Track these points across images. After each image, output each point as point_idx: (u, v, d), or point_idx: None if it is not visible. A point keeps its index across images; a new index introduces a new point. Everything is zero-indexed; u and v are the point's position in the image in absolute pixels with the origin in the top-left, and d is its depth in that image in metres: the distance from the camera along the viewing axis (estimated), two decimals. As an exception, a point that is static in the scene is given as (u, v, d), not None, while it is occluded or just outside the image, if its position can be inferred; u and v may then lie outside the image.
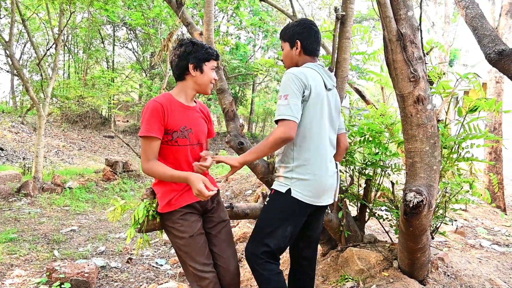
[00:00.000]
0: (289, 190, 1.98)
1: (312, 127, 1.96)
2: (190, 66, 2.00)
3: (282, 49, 2.21)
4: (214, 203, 2.18)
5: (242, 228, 4.67)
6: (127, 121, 20.94)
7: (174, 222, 2.02)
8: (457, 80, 2.16)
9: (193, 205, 2.07)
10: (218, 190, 2.11)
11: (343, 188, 3.06)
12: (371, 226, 4.12)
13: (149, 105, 1.95)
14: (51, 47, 8.34)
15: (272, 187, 2.09)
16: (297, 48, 2.10)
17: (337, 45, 3.14)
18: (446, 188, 2.71)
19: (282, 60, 2.25)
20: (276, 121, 1.91)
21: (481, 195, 2.96)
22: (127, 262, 4.27)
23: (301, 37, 2.09)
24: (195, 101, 2.15)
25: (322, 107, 1.98)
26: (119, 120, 20.44)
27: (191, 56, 1.99)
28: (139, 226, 2.11)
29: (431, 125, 2.05)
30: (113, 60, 20.36)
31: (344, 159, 3.07)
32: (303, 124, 1.95)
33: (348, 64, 3.15)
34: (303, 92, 1.92)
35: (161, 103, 1.94)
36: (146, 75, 18.73)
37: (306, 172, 1.97)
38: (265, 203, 2.08)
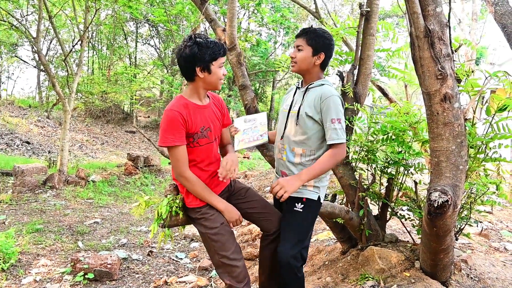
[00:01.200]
0: (319, 197, 2.21)
1: None
2: (197, 69, 1.98)
3: (299, 49, 2.17)
4: (232, 184, 2.34)
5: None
6: (148, 116, 21.23)
7: (204, 213, 2.08)
8: (486, 78, 2.11)
9: (223, 191, 2.23)
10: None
11: (365, 186, 3.03)
12: (392, 226, 4.06)
13: (166, 115, 1.96)
14: (76, 43, 8.52)
15: (302, 195, 2.17)
16: (318, 59, 2.16)
17: (360, 42, 3.11)
18: (472, 188, 2.65)
19: (292, 59, 2.20)
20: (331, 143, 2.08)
21: (508, 197, 2.88)
22: (148, 254, 4.35)
23: (326, 52, 2.17)
24: (208, 96, 2.18)
25: None
26: (140, 116, 20.74)
27: (197, 59, 1.95)
28: (162, 222, 2.15)
29: (458, 123, 2.00)
30: (135, 57, 20.65)
31: (366, 157, 3.04)
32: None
33: (372, 61, 3.11)
34: None
35: (179, 111, 1.96)
36: (167, 71, 18.93)
37: (325, 180, 2.26)
38: (299, 209, 2.16)
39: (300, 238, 2.12)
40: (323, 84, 2.17)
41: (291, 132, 2.21)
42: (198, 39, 1.95)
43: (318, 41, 2.13)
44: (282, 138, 2.28)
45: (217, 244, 2.03)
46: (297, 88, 2.32)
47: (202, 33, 2.14)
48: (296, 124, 2.17)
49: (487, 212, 5.05)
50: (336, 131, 2.05)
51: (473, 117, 2.30)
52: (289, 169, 2.21)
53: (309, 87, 2.21)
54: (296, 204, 2.16)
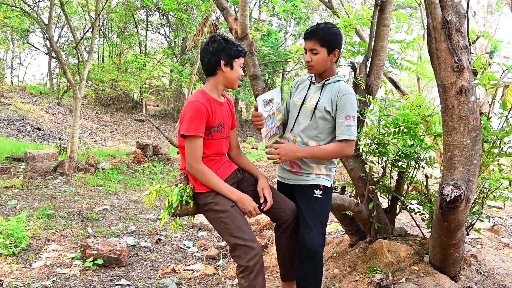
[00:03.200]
0: (331, 185, 2.28)
1: None
2: (222, 62, 2.10)
3: (314, 52, 2.15)
4: (241, 173, 2.36)
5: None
6: (158, 105, 21.31)
7: (214, 197, 2.10)
8: (504, 71, 2.06)
9: (230, 176, 2.25)
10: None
11: (375, 179, 3.01)
12: (401, 220, 4.04)
13: (192, 105, 2.04)
14: (87, 31, 8.54)
15: (318, 183, 2.22)
16: (334, 56, 2.17)
17: (374, 33, 3.06)
18: (484, 183, 2.61)
19: (308, 63, 2.18)
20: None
21: (521, 192, 2.84)
22: (156, 242, 4.39)
23: (339, 47, 2.20)
24: (223, 95, 2.28)
25: None
26: (149, 105, 20.83)
27: (223, 52, 2.09)
28: (172, 211, 2.15)
29: (473, 117, 1.97)
30: (145, 45, 20.66)
31: (377, 150, 3.02)
32: None
33: (385, 52, 3.07)
34: None
35: (204, 104, 2.07)
36: (177, 60, 18.92)
37: (334, 170, 2.34)
38: (318, 195, 2.20)
39: (323, 223, 2.19)
40: (339, 80, 2.21)
41: (304, 126, 2.22)
42: (225, 37, 2.12)
43: (331, 40, 2.14)
44: (292, 130, 2.29)
45: (231, 226, 2.03)
46: (311, 82, 2.30)
47: (214, 21, 2.20)
48: (311, 118, 2.20)
49: (499, 208, 5.00)
50: (349, 127, 2.10)
51: (489, 111, 2.26)
52: (302, 160, 2.24)
53: (326, 83, 2.22)
54: (315, 190, 2.21)
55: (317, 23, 2.19)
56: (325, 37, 2.12)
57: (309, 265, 2.12)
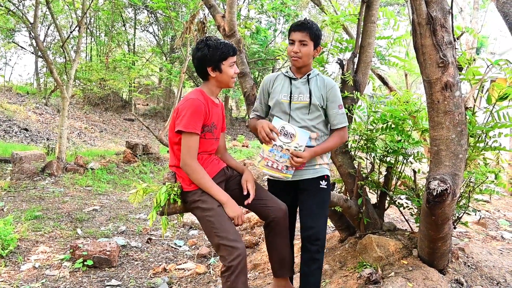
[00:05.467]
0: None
1: None
2: (209, 69, 2.12)
3: (304, 44, 2.18)
4: (229, 171, 2.36)
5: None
6: (147, 104, 21.15)
7: (201, 195, 2.11)
8: (488, 66, 2.09)
9: (219, 173, 2.25)
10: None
11: (363, 175, 3.03)
12: (390, 214, 4.08)
13: (193, 103, 2.07)
14: (74, 29, 8.44)
15: (323, 173, 2.30)
16: (317, 52, 2.25)
17: (361, 29, 3.07)
18: (471, 177, 2.65)
19: (296, 53, 2.18)
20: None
21: (506, 186, 2.88)
22: (147, 242, 4.37)
23: (321, 44, 2.28)
24: (217, 98, 2.30)
25: None
26: (139, 104, 20.66)
27: (208, 60, 2.10)
28: (160, 209, 2.15)
29: (458, 112, 1.99)
30: (134, 44, 20.47)
31: (365, 146, 3.04)
32: None
33: (372, 49, 3.08)
34: None
35: (203, 102, 2.09)
36: (166, 58, 18.79)
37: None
38: (324, 186, 2.28)
39: (326, 212, 2.34)
40: (318, 74, 2.31)
41: (302, 122, 2.24)
42: (208, 42, 2.10)
43: (319, 36, 2.21)
44: None
45: (215, 225, 2.03)
46: (291, 78, 2.29)
47: (201, 19, 2.18)
48: (308, 113, 2.24)
49: (485, 201, 5.07)
50: (343, 115, 2.26)
51: (474, 105, 2.29)
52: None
53: (309, 77, 2.27)
54: (321, 181, 2.28)
55: (305, 19, 2.23)
56: (315, 32, 2.18)
57: (317, 252, 2.21)
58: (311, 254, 2.21)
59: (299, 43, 2.17)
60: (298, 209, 2.40)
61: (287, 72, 2.33)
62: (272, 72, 21.12)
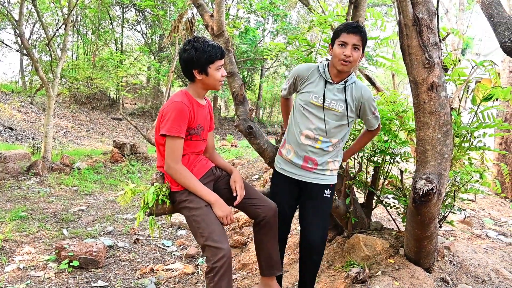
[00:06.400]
0: None
1: None
2: (195, 72, 2.08)
3: (357, 48, 2.06)
4: (218, 171, 2.36)
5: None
6: (135, 103, 20.97)
7: (189, 195, 2.10)
8: (473, 67, 2.12)
9: (207, 174, 2.25)
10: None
11: (351, 174, 3.05)
12: (378, 214, 4.11)
13: (176, 106, 2.03)
14: (60, 27, 8.32)
15: (329, 182, 2.29)
16: (361, 59, 2.16)
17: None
18: (456, 177, 2.68)
19: (347, 57, 2.05)
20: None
21: (491, 185, 2.93)
22: (134, 242, 4.33)
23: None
24: (204, 99, 2.27)
25: None
26: (127, 103, 20.47)
27: (194, 62, 2.05)
28: (148, 210, 2.13)
29: (444, 112, 2.01)
30: (121, 42, 20.27)
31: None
32: None
33: (360, 49, 3.09)
34: None
35: (187, 105, 2.06)
36: (154, 57, 18.66)
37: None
38: (327, 195, 2.28)
39: (328, 221, 2.34)
40: (355, 82, 2.21)
41: (331, 128, 2.19)
42: (196, 44, 2.05)
43: (367, 41, 2.12)
44: (313, 129, 2.21)
45: (201, 225, 2.02)
46: (327, 81, 2.17)
47: (189, 18, 2.14)
48: (340, 121, 2.19)
49: (470, 200, 5.15)
50: (377, 118, 2.30)
51: (459, 106, 2.32)
52: (320, 155, 2.23)
53: (347, 84, 2.17)
54: (325, 190, 2.27)
55: (357, 22, 2.19)
56: (366, 38, 2.09)
57: (317, 260, 2.27)
58: (308, 259, 2.29)
59: (352, 47, 2.04)
60: (297, 210, 2.43)
61: (324, 71, 2.18)
62: (261, 72, 20.99)
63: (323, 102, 2.15)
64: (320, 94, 2.16)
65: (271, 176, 2.72)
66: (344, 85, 2.15)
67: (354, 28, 2.04)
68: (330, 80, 2.16)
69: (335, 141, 2.23)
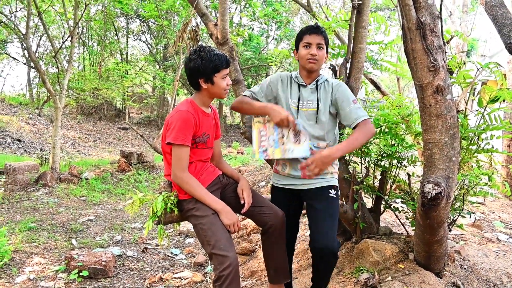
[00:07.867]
0: None
1: None
2: (201, 81, 2.10)
3: (321, 47, 2.16)
4: (225, 178, 2.36)
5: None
6: (141, 113, 21.10)
7: (196, 203, 2.10)
8: (478, 70, 2.11)
9: (214, 181, 2.24)
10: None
11: (358, 179, 3.04)
12: (386, 218, 4.08)
13: (181, 115, 2.06)
14: (66, 39, 8.43)
15: (333, 183, 2.26)
16: (326, 58, 2.25)
17: (353, 35, 3.10)
18: (464, 180, 2.66)
19: (314, 56, 2.14)
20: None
21: (500, 187, 2.90)
22: (143, 251, 4.34)
23: None
24: (210, 107, 2.29)
25: None
26: (133, 112, 20.62)
27: (200, 72, 2.08)
28: (157, 219, 2.14)
29: (450, 115, 2.01)
30: (127, 52, 20.47)
31: (359, 151, 3.05)
32: None
33: (364, 54, 3.11)
34: None
35: (192, 114, 2.09)
36: (159, 67, 18.81)
37: None
38: (333, 195, 2.23)
39: (337, 222, 2.24)
40: (327, 80, 2.25)
41: (310, 130, 2.19)
42: (201, 53, 2.07)
43: (328, 41, 2.21)
44: None
45: (207, 234, 2.02)
46: (300, 85, 2.24)
47: (194, 28, 2.16)
48: (316, 122, 2.19)
49: (480, 203, 5.10)
50: (360, 109, 2.12)
51: (465, 108, 2.31)
52: None
53: (318, 83, 2.22)
54: (330, 190, 2.23)
55: (316, 23, 2.23)
56: (327, 38, 2.19)
57: (331, 265, 2.19)
58: (322, 264, 2.18)
59: (317, 46, 2.13)
60: (300, 216, 2.41)
61: (296, 77, 2.26)
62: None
63: (298, 104, 2.22)
64: (295, 98, 2.24)
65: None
66: (316, 85, 2.22)
67: (316, 29, 2.15)
68: (303, 83, 2.24)
69: (324, 144, 2.20)
